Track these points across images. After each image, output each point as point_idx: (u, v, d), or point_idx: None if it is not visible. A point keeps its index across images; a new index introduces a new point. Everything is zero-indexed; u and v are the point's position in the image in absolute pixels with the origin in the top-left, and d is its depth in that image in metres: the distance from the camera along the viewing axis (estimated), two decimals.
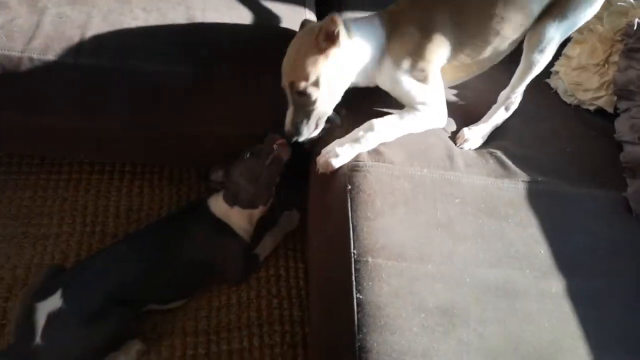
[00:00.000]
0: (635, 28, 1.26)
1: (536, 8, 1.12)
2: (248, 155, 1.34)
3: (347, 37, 1.07)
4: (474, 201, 1.08)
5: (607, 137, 1.27)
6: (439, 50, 1.13)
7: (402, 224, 1.00)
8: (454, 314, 0.91)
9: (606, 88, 1.30)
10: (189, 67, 1.18)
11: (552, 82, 1.39)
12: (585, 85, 1.32)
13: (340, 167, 1.09)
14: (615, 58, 1.30)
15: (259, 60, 1.23)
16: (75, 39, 1.13)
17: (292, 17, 1.33)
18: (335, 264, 0.99)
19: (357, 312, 0.88)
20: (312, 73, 1.06)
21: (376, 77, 1.16)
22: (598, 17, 1.36)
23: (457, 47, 1.14)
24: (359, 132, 1.11)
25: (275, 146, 1.32)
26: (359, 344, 0.85)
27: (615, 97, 1.29)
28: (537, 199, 1.11)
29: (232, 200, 1.37)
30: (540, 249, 1.03)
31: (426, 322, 0.89)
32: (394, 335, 0.86)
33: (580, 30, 1.33)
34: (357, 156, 1.09)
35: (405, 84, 1.13)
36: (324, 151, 1.10)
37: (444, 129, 1.23)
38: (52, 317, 1.15)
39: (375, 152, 1.11)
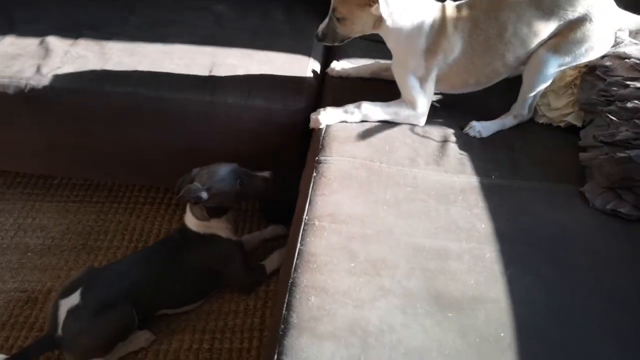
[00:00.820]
0: None
1: (534, 43, 1.32)
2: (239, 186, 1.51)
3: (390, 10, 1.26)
4: (425, 189, 1.21)
5: (573, 147, 1.34)
6: (446, 52, 1.34)
7: (352, 200, 1.16)
8: (381, 267, 1.02)
9: (572, 105, 1.41)
10: (206, 96, 1.51)
11: None
12: (554, 104, 1.43)
13: (313, 162, 1.29)
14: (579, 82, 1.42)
15: (262, 93, 1.53)
16: (126, 75, 1.53)
17: (295, 64, 1.64)
18: (292, 231, 1.15)
19: (296, 258, 1.03)
20: (350, 15, 1.30)
21: (397, 48, 1.38)
22: None
23: (468, 49, 1.34)
24: (349, 106, 1.38)
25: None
26: (291, 280, 0.99)
27: (583, 113, 1.39)
28: (489, 189, 1.22)
29: (210, 215, 1.54)
30: (482, 225, 1.12)
31: (354, 269, 1.01)
32: (322, 275, 0.99)
33: None
34: (325, 151, 1.29)
35: (415, 68, 1.36)
36: (317, 110, 1.37)
37: (427, 135, 1.39)
38: (70, 312, 1.35)
39: (344, 149, 1.30)
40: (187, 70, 1.57)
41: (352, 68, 1.60)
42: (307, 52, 1.71)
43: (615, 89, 1.29)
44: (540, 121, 1.45)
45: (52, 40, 1.68)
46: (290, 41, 1.73)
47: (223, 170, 1.51)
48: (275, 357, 0.87)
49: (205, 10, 1.91)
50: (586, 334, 0.94)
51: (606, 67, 1.34)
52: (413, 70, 1.37)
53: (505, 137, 1.41)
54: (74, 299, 1.38)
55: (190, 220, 1.57)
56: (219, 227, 1.57)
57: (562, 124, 1.43)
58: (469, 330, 0.92)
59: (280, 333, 0.91)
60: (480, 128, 1.40)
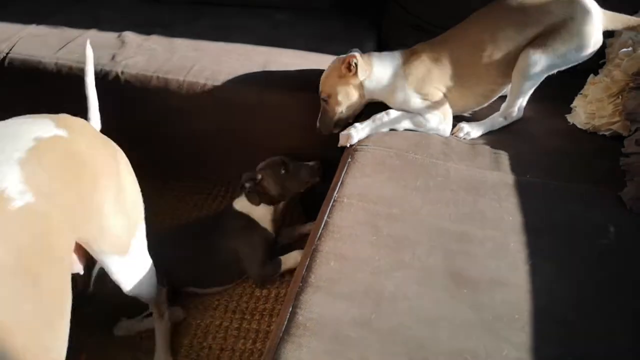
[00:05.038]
0: None
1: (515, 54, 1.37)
2: (283, 172, 1.63)
3: (365, 69, 1.41)
4: (456, 181, 1.23)
5: (615, 153, 1.32)
6: (442, 79, 1.42)
7: (382, 183, 1.20)
8: (403, 243, 1.04)
9: (619, 114, 1.38)
10: (256, 88, 1.62)
11: (570, 117, 1.49)
12: (600, 112, 1.41)
13: (350, 150, 1.35)
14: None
15: (307, 88, 1.61)
16: (188, 67, 1.68)
17: None
18: (322, 208, 1.20)
19: (322, 229, 1.08)
20: (333, 90, 1.45)
21: (390, 97, 1.46)
22: (617, 64, 1.50)
23: (456, 79, 1.42)
24: (377, 115, 1.41)
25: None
26: (314, 247, 1.04)
27: (629, 122, 1.36)
28: (522, 186, 1.22)
29: (259, 201, 1.63)
30: (510, 217, 1.12)
31: (376, 242, 1.04)
32: (344, 244, 1.04)
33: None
34: (363, 141, 1.35)
35: (413, 102, 1.43)
36: (347, 129, 1.41)
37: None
38: (100, 272, 1.45)
39: (380, 140, 1.35)
40: (242, 65, 1.69)
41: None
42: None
43: None
44: (585, 128, 1.44)
45: (129, 35, 1.87)
46: (342, 46, 1.81)
47: (269, 159, 1.64)
48: (290, 309, 0.92)
49: (267, 17, 2.05)
50: (604, 324, 0.91)
51: None
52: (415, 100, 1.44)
53: (545, 140, 1.41)
54: None
55: (240, 201, 1.66)
56: (260, 215, 1.65)
57: (607, 133, 1.40)
58: (483, 308, 0.92)
59: (297, 290, 0.95)
60: (469, 129, 1.42)
